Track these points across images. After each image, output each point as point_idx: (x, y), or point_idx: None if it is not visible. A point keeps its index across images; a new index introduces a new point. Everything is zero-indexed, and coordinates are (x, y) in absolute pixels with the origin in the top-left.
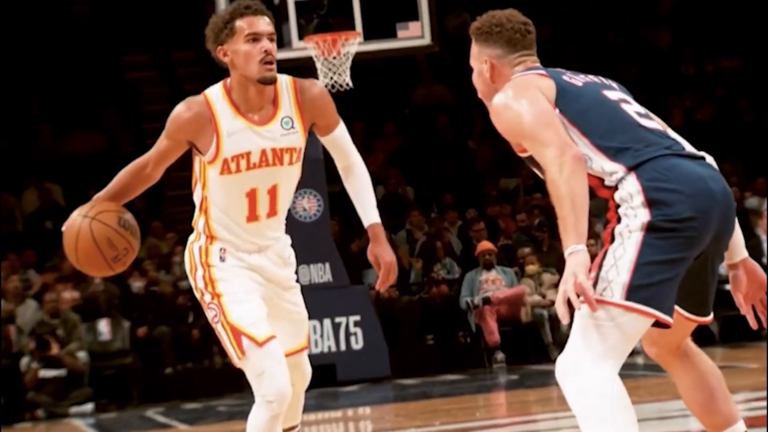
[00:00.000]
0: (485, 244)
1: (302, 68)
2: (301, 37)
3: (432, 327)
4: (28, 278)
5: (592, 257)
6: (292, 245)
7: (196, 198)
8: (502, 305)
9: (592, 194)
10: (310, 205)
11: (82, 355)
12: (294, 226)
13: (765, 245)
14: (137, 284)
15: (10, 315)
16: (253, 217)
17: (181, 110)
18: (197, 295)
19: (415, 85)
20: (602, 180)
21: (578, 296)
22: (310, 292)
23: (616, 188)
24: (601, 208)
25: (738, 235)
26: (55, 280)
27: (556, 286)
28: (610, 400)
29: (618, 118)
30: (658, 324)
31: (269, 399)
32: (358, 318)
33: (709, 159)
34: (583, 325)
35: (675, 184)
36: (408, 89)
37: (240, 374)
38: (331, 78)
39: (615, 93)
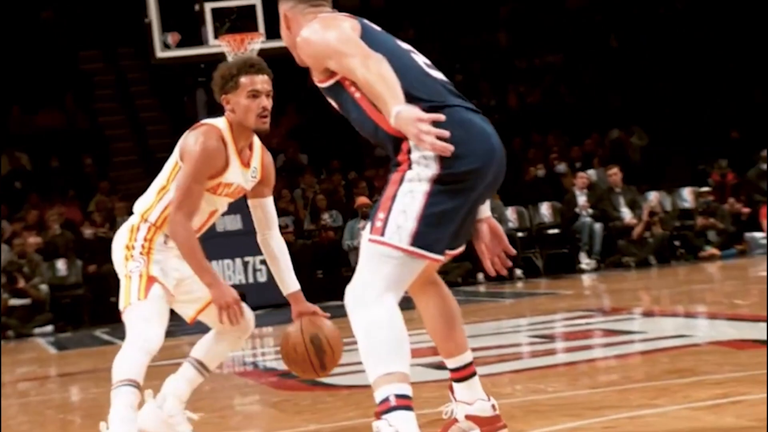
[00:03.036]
0: (362, 199)
1: (217, 61)
2: (216, 37)
3: (321, 264)
4: (1, 227)
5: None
6: None
7: (163, 198)
8: None
9: (381, 136)
10: None
11: (43, 287)
12: None
13: (578, 199)
14: (88, 231)
15: None
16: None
17: (210, 147)
18: (123, 257)
19: (308, 74)
20: None
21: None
22: (225, 238)
23: None
24: (388, 140)
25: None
26: (22, 228)
27: None
28: (388, 335)
29: (412, 66)
30: None
31: (146, 337)
32: (263, 257)
33: None
34: (370, 261)
35: (465, 139)
36: (305, 77)
37: None
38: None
39: (406, 44)
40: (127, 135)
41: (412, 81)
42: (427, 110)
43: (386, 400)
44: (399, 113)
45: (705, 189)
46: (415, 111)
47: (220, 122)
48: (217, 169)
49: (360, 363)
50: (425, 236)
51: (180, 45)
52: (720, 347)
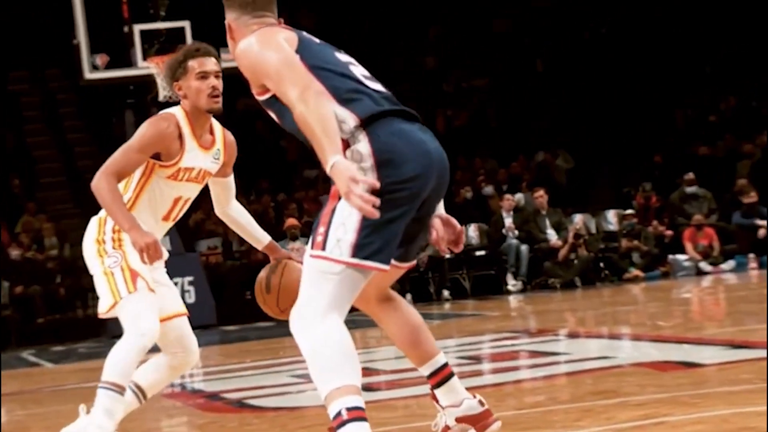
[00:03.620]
0: (291, 221)
1: (146, 83)
2: (144, 58)
3: (250, 285)
4: None
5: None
6: None
7: (128, 188)
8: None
9: None
10: None
11: None
12: None
13: (505, 221)
14: (15, 252)
15: None
16: (167, 217)
17: (162, 126)
18: (95, 251)
19: (238, 97)
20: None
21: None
22: None
23: (348, 144)
24: None
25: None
26: None
27: None
28: (334, 351)
29: (349, 75)
30: None
31: (144, 332)
32: (191, 278)
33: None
34: (312, 279)
35: (401, 148)
36: (234, 99)
37: (97, 323)
38: (169, 90)
39: (345, 56)
40: (55, 156)
41: (346, 92)
42: (362, 122)
43: (338, 414)
44: (335, 165)
45: (629, 211)
46: (350, 170)
47: (175, 110)
48: (167, 151)
49: (285, 385)
50: (366, 247)
51: (109, 66)
52: (643, 368)
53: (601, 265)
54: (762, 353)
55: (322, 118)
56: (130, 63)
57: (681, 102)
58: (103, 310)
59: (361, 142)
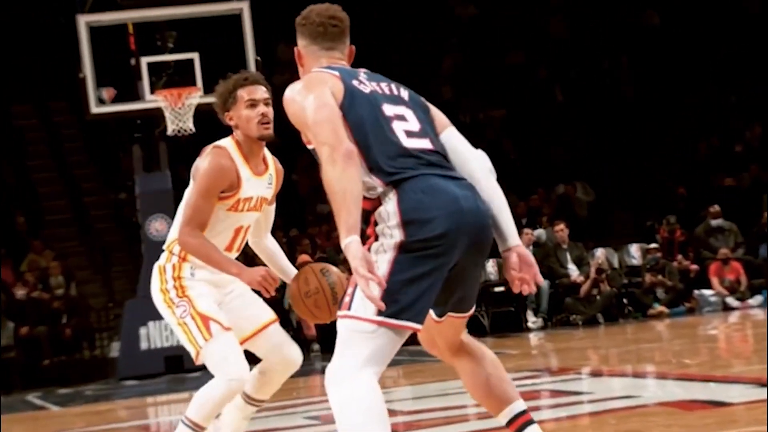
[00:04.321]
0: (303, 257)
1: (154, 117)
2: (152, 92)
3: None
4: None
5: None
6: (149, 261)
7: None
8: None
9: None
10: (162, 227)
11: None
12: (149, 244)
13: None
14: (20, 292)
15: None
16: (230, 248)
17: (220, 164)
18: (162, 301)
19: None
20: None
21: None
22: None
23: (378, 202)
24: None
25: (509, 226)
26: None
27: None
28: (366, 411)
29: (385, 136)
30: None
31: (231, 377)
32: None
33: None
34: (344, 339)
35: (429, 205)
36: None
37: (104, 364)
38: (177, 124)
39: (395, 108)
40: (60, 191)
41: (380, 155)
42: (388, 185)
43: None
44: (347, 246)
45: (653, 245)
46: (362, 253)
47: (227, 142)
48: (228, 186)
49: (299, 427)
50: (392, 305)
51: (115, 100)
52: (668, 408)
53: (625, 300)
54: None
55: (344, 190)
56: (137, 96)
57: (705, 131)
58: (195, 359)
59: (390, 201)
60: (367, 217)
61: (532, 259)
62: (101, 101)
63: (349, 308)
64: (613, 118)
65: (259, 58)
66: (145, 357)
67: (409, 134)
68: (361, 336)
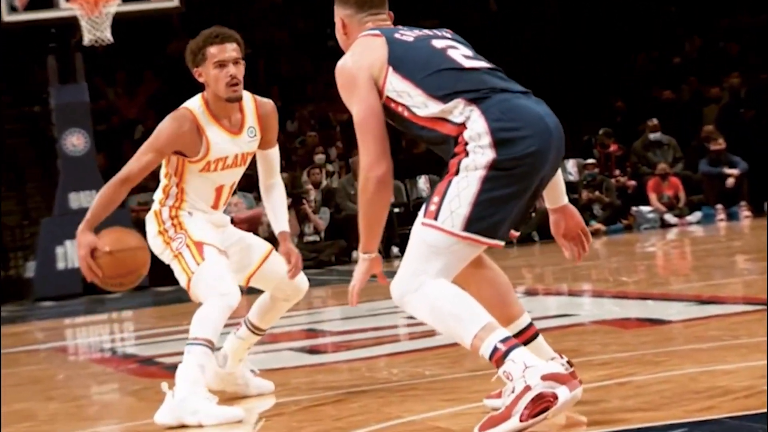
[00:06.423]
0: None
1: (69, 26)
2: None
3: None
4: None
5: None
6: (65, 177)
7: (169, 186)
8: (242, 224)
9: (439, 139)
10: (78, 142)
11: None
12: (65, 160)
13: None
14: None
15: None
16: (215, 206)
17: (174, 127)
18: (162, 242)
19: (172, 39)
20: (447, 120)
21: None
22: (80, 216)
23: (464, 126)
24: (449, 140)
25: (560, 184)
26: None
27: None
28: (456, 301)
29: (447, 67)
30: None
31: (223, 292)
32: None
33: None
34: (419, 252)
35: (518, 124)
36: (164, 42)
37: (20, 284)
38: (95, 34)
39: (442, 41)
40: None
41: (449, 82)
42: (472, 101)
43: (495, 350)
44: (361, 261)
45: (590, 161)
46: (364, 272)
47: (194, 103)
48: (188, 148)
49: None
50: (479, 221)
51: (28, 7)
52: (605, 326)
53: None
54: (731, 309)
55: (370, 214)
56: (51, 4)
57: (644, 43)
58: (188, 291)
59: (476, 121)
60: (457, 139)
61: (578, 215)
62: (13, 8)
63: (435, 217)
64: (548, 28)
65: None
66: (62, 277)
67: (467, 57)
68: (440, 250)
